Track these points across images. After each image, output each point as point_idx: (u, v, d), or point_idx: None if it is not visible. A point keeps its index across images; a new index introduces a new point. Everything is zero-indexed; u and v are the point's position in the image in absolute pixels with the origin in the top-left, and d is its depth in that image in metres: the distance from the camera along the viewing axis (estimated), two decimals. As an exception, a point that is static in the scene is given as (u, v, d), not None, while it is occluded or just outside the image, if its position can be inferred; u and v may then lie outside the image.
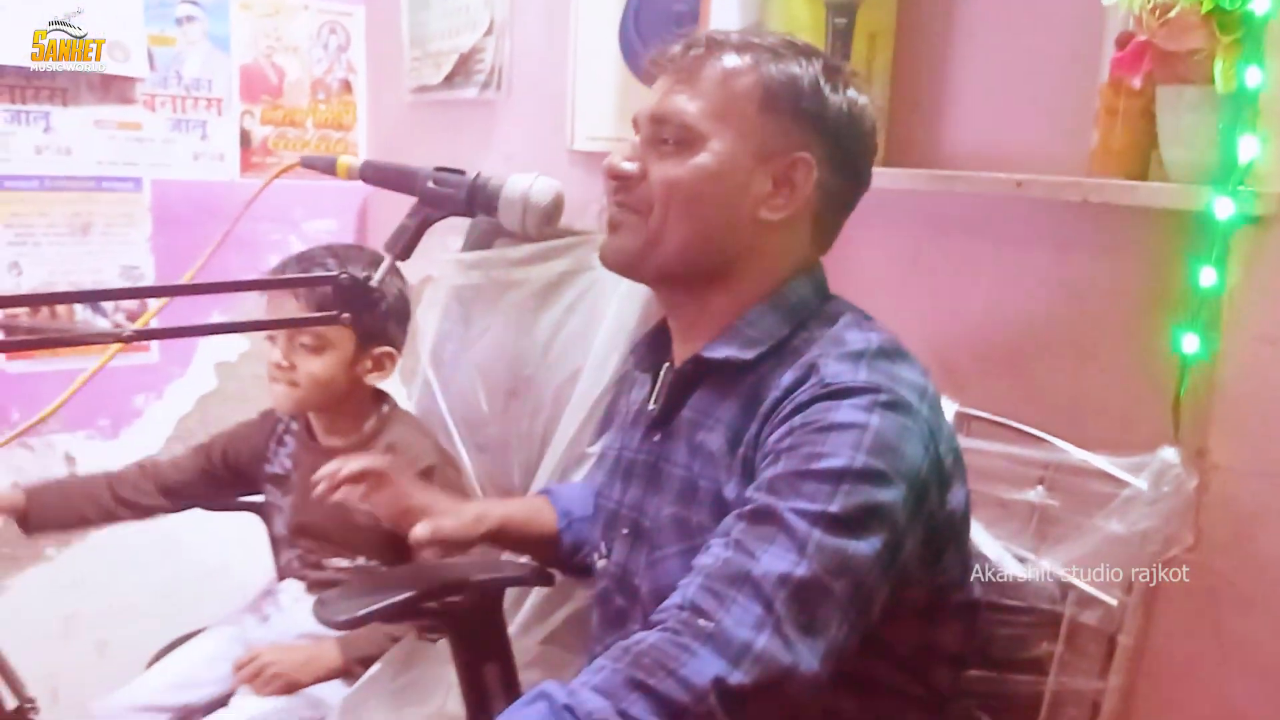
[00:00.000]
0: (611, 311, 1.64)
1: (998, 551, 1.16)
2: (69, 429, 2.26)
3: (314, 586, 1.63)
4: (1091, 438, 1.14)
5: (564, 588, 1.53)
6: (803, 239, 1.06)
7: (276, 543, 1.73)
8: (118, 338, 0.94)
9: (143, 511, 1.68)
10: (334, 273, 1.05)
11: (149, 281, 2.28)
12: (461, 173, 1.10)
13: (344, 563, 1.63)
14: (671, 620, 0.83)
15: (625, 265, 1.07)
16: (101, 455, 2.30)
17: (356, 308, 1.08)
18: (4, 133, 2.14)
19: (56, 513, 1.61)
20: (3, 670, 1.25)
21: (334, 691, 1.49)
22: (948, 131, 1.40)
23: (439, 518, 1.21)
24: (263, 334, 1.64)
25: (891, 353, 0.99)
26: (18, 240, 2.18)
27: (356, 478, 1.24)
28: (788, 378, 0.97)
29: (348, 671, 1.49)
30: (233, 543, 1.89)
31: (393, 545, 1.53)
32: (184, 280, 2.10)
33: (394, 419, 1.68)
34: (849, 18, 1.37)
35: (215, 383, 2.42)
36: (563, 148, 1.88)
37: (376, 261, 1.62)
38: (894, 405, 0.92)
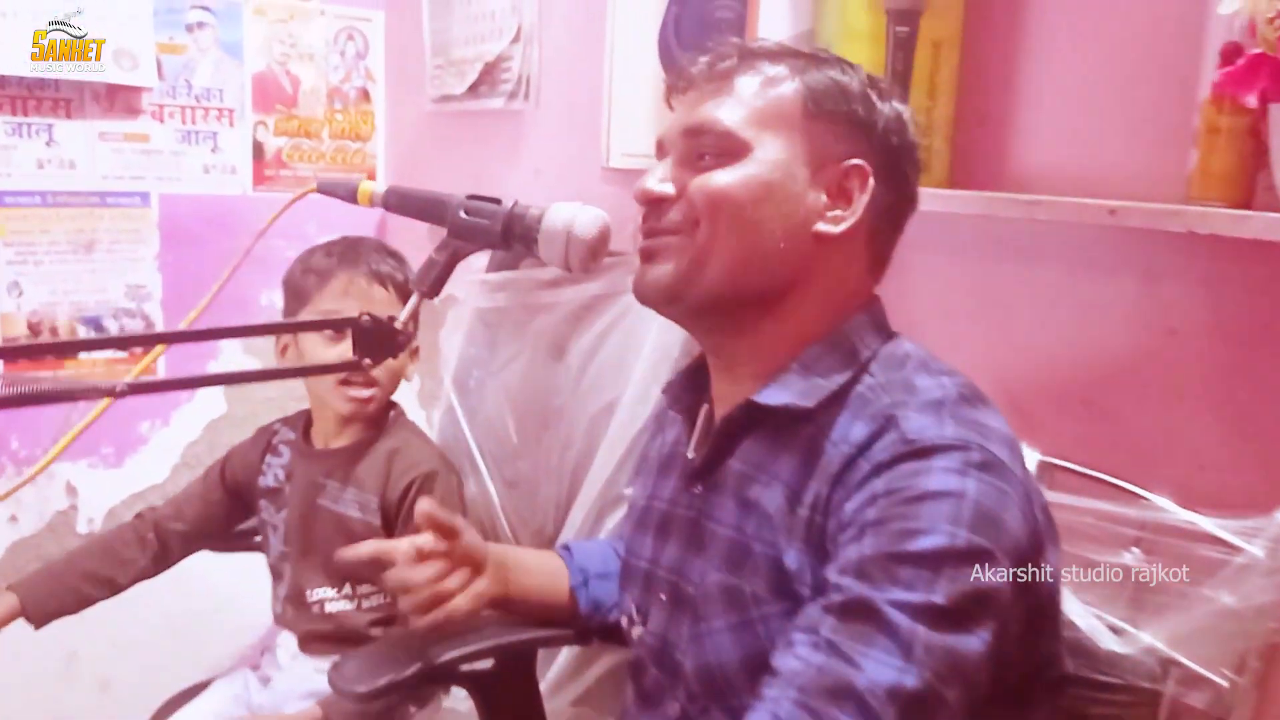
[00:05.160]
0: (651, 339, 1.53)
1: (1089, 621, 1.06)
2: (70, 458, 2.16)
3: (305, 642, 1.55)
4: (1190, 493, 1.03)
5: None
6: (858, 263, 0.96)
7: (273, 574, 1.64)
8: (110, 392, 0.83)
9: (153, 566, 1.59)
10: (353, 316, 0.94)
11: (156, 300, 2.18)
12: (497, 201, 0.98)
13: (329, 593, 1.53)
14: None
15: (667, 292, 0.95)
16: (105, 485, 2.21)
17: (379, 351, 0.96)
18: (5, 146, 2.04)
19: (58, 602, 1.51)
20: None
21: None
22: (1018, 149, 1.29)
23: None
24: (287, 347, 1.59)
25: (972, 399, 0.89)
26: (18, 259, 2.07)
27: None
28: (859, 431, 0.87)
29: None
30: (238, 576, 1.80)
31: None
32: (197, 308, 2.02)
33: (399, 424, 1.60)
34: (911, 25, 1.27)
35: (225, 407, 2.31)
36: (596, 164, 1.77)
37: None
38: (988, 466, 0.82)
